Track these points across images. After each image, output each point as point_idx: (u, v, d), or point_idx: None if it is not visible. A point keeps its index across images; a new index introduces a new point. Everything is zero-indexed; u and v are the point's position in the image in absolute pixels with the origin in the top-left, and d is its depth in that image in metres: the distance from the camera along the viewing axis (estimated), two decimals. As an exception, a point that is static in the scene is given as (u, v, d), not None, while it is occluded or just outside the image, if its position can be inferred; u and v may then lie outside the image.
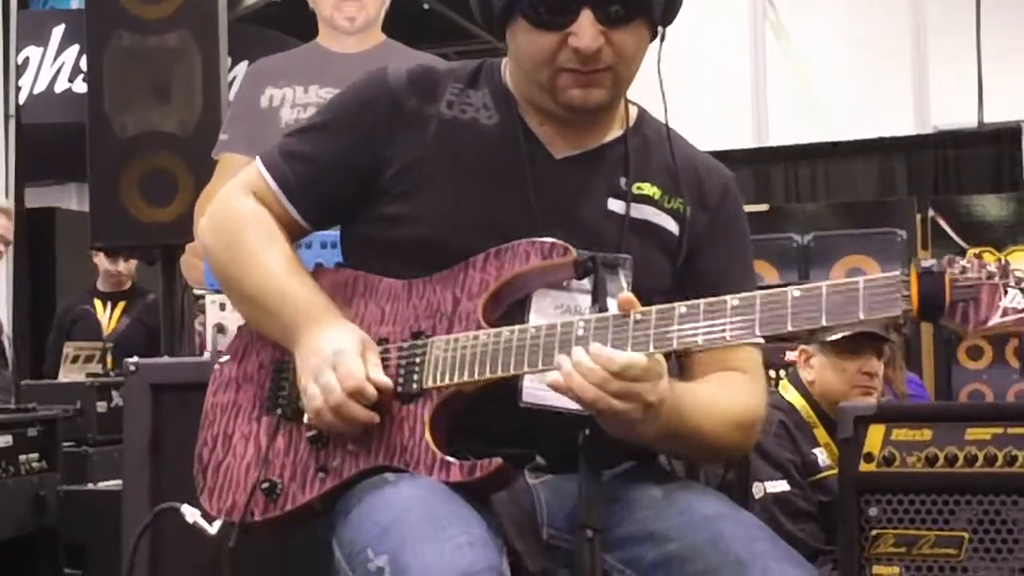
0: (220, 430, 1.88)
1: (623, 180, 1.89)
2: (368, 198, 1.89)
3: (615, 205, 1.88)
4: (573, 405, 1.69)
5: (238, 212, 1.92)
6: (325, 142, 1.91)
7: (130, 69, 4.19)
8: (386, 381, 1.74)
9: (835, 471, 3.30)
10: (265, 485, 1.79)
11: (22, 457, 4.20)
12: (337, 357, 1.73)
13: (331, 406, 1.72)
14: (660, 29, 1.85)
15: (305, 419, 1.79)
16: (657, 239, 1.89)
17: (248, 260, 1.88)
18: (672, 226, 1.90)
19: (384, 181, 1.87)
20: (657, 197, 1.90)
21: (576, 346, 1.65)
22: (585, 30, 1.75)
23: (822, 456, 3.42)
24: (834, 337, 3.49)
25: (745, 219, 2.03)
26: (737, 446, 1.89)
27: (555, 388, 1.64)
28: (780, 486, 3.33)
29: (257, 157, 1.96)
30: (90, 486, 4.38)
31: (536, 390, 1.73)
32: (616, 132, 1.94)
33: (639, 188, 1.90)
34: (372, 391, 1.72)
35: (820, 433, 3.48)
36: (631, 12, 1.79)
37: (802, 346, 3.52)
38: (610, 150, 1.92)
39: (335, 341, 1.75)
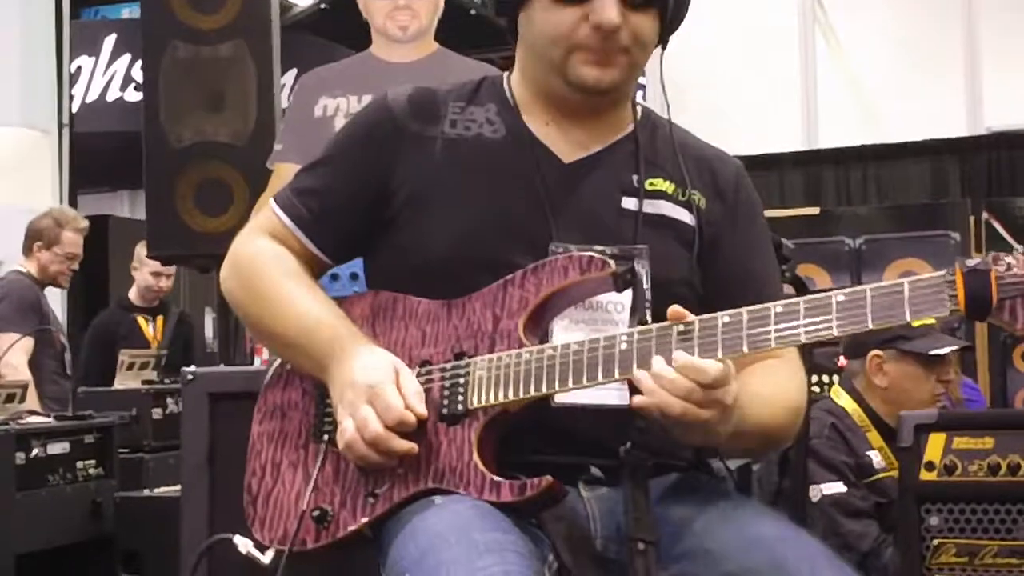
0: (268, 459, 1.87)
1: (635, 177, 1.89)
2: (383, 225, 1.88)
3: (629, 203, 1.87)
4: (609, 400, 1.69)
5: (255, 252, 1.92)
6: (334, 175, 1.91)
7: (185, 79, 4.21)
8: (422, 411, 1.72)
9: (890, 473, 3.31)
10: (316, 513, 1.78)
11: (79, 464, 4.26)
12: (373, 391, 1.71)
13: (368, 439, 1.70)
14: (666, 24, 1.84)
15: None
16: (673, 231, 1.88)
17: (268, 298, 1.88)
18: (687, 218, 1.89)
19: (395, 207, 1.87)
20: (671, 191, 1.89)
21: (657, 355, 1.63)
22: (608, 5, 1.76)
23: (877, 458, 3.39)
24: (938, 351, 3.45)
25: (760, 205, 2.02)
26: (791, 431, 1.89)
27: (639, 407, 1.62)
28: (836, 487, 3.31)
29: (271, 199, 1.97)
30: (146, 492, 4.42)
31: (568, 392, 1.71)
32: (623, 131, 1.93)
33: (652, 184, 1.89)
34: (413, 420, 1.71)
35: (873, 436, 3.45)
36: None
37: (875, 351, 3.49)
38: (619, 149, 1.91)
39: (368, 373, 1.73)
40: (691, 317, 1.65)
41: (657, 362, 1.62)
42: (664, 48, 1.89)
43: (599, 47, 1.79)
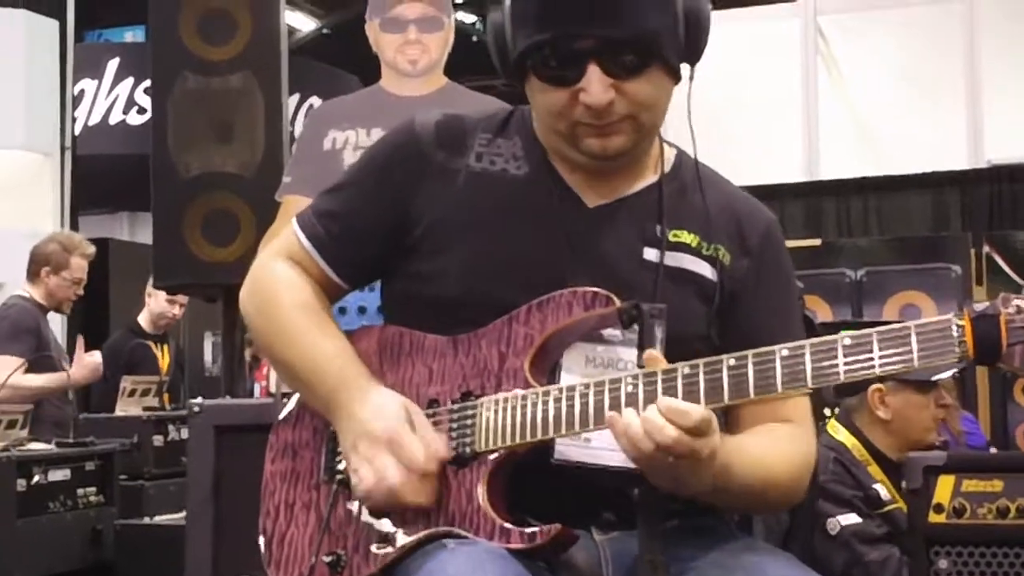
0: (281, 499, 1.86)
1: (658, 228, 1.84)
2: (401, 254, 1.86)
3: (650, 254, 1.82)
4: (607, 460, 1.67)
5: (272, 277, 1.90)
6: (356, 200, 1.89)
7: (194, 110, 4.21)
8: (445, 453, 1.71)
9: (898, 504, 3.31)
10: (329, 558, 1.76)
11: (79, 491, 4.25)
12: (392, 442, 1.70)
13: (387, 491, 1.70)
14: (690, 69, 1.80)
15: None
16: (694, 286, 1.84)
17: (281, 328, 1.86)
18: (709, 272, 1.85)
19: (415, 237, 1.84)
20: (694, 244, 1.85)
21: (627, 406, 1.61)
22: (593, 85, 1.71)
23: (883, 490, 3.39)
24: (939, 376, 3.46)
25: (790, 264, 1.97)
26: (787, 499, 1.85)
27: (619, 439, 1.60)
28: (852, 518, 3.31)
29: (293, 218, 1.95)
30: (146, 520, 4.41)
31: (568, 447, 1.70)
32: (651, 178, 1.88)
33: (675, 236, 1.84)
34: (436, 469, 1.70)
35: (875, 470, 3.45)
36: (643, 61, 1.73)
37: (875, 385, 3.49)
38: (644, 197, 1.86)
39: (384, 422, 1.72)
40: (685, 362, 1.62)
41: (651, 410, 1.58)
42: (691, 79, 1.83)
43: (597, 123, 1.75)
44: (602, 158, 1.80)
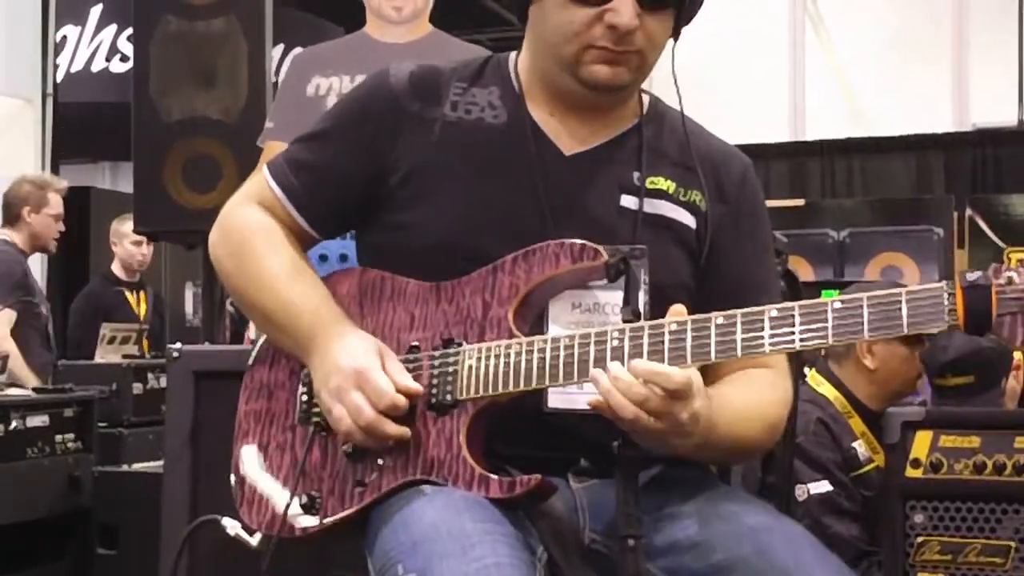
0: (255, 440, 1.85)
1: (635, 175, 1.85)
2: (376, 204, 1.86)
3: (628, 201, 1.83)
4: None
5: (244, 222, 1.89)
6: (329, 149, 1.88)
7: (176, 54, 4.18)
8: (416, 387, 1.71)
9: (876, 463, 3.32)
10: (304, 500, 1.76)
11: (58, 437, 4.23)
12: (360, 377, 1.70)
13: (362, 426, 1.69)
14: (680, 21, 1.83)
15: None
16: (673, 233, 1.85)
17: (254, 271, 1.85)
18: (689, 220, 1.86)
19: (390, 187, 1.84)
20: (671, 191, 1.86)
21: (612, 360, 1.61)
22: (625, 7, 1.73)
23: (861, 449, 3.41)
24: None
25: (764, 207, 1.99)
26: (764, 445, 1.87)
27: (594, 407, 1.61)
28: (822, 487, 3.32)
29: (264, 166, 1.94)
30: (124, 467, 4.40)
31: (561, 395, 1.71)
32: (628, 124, 1.89)
33: (652, 183, 1.85)
34: (405, 403, 1.69)
35: (856, 423, 3.46)
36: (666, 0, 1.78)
37: None
38: (622, 144, 1.87)
39: (353, 357, 1.72)
40: (685, 316, 1.63)
41: (615, 365, 1.60)
42: (676, 41, 1.85)
43: (613, 47, 1.76)
44: (605, 89, 1.80)
